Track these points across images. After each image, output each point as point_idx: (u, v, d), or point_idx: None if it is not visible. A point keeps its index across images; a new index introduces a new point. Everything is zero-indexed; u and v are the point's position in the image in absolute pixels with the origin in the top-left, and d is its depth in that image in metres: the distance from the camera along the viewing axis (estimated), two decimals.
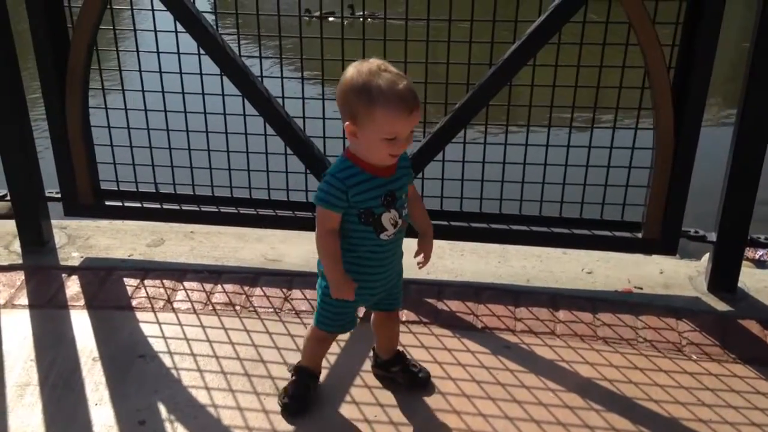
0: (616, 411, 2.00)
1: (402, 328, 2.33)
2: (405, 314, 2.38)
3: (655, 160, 2.39)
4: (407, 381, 2.07)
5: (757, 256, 3.40)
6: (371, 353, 2.12)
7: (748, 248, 3.04)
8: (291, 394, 1.99)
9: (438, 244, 2.75)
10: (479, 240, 2.67)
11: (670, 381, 2.11)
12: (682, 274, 2.61)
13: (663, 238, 2.47)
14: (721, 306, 2.44)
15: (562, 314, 2.40)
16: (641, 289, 2.54)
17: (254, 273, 2.62)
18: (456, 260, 2.73)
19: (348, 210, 1.75)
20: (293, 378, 2.02)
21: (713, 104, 5.28)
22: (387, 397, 2.04)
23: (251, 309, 2.42)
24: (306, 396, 1.99)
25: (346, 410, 2.00)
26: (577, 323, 2.36)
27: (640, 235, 2.50)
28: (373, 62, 1.69)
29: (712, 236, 2.48)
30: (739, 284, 2.51)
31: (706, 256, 2.67)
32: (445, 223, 2.60)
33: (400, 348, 2.11)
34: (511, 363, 2.18)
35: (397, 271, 1.93)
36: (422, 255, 1.93)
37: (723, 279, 2.49)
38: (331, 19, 4.27)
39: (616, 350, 2.24)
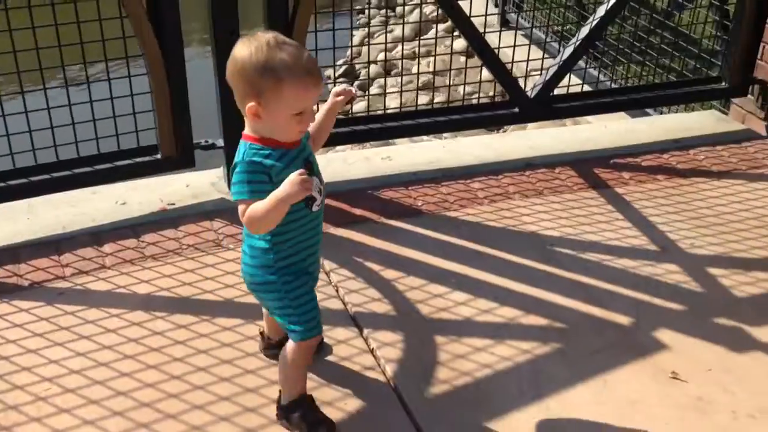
0: (177, 311, 2.21)
1: None
2: None
3: (154, 83, 2.57)
4: None
5: None
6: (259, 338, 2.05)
7: None
8: (320, 422, 1.81)
9: None
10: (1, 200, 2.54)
11: (216, 272, 2.40)
12: (205, 183, 2.90)
13: (179, 153, 2.70)
14: None
15: (108, 247, 2.48)
16: (174, 204, 2.76)
17: None
18: None
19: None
20: (299, 417, 1.80)
21: (199, 28, 5.72)
22: None
23: None
24: (330, 422, 1.83)
25: None
26: (125, 250, 2.47)
27: (159, 156, 2.69)
28: (265, 36, 1.57)
29: (220, 142, 2.80)
30: None
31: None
32: None
33: None
34: (69, 306, 2.20)
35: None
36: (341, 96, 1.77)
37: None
38: None
39: (165, 262, 2.43)
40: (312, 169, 1.69)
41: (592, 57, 4.40)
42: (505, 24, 5.79)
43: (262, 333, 2.06)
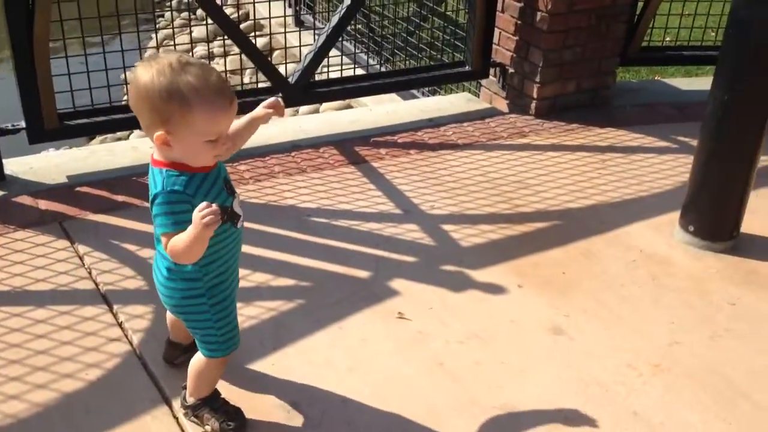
0: None
1: None
2: None
3: None
4: None
5: None
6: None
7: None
8: (231, 418, 1.80)
9: None
10: None
11: None
12: None
13: None
14: None
15: None
16: None
17: None
18: None
19: None
20: (208, 411, 1.80)
21: None
22: None
23: None
24: (238, 410, 1.83)
25: None
26: None
27: None
28: (169, 57, 1.46)
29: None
30: (9, 172, 2.85)
31: None
32: None
33: None
34: None
35: None
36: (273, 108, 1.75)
37: None
38: None
39: None
40: (232, 190, 1.65)
41: (356, 42, 4.70)
42: (300, 24, 6.02)
43: (170, 341, 1.98)
